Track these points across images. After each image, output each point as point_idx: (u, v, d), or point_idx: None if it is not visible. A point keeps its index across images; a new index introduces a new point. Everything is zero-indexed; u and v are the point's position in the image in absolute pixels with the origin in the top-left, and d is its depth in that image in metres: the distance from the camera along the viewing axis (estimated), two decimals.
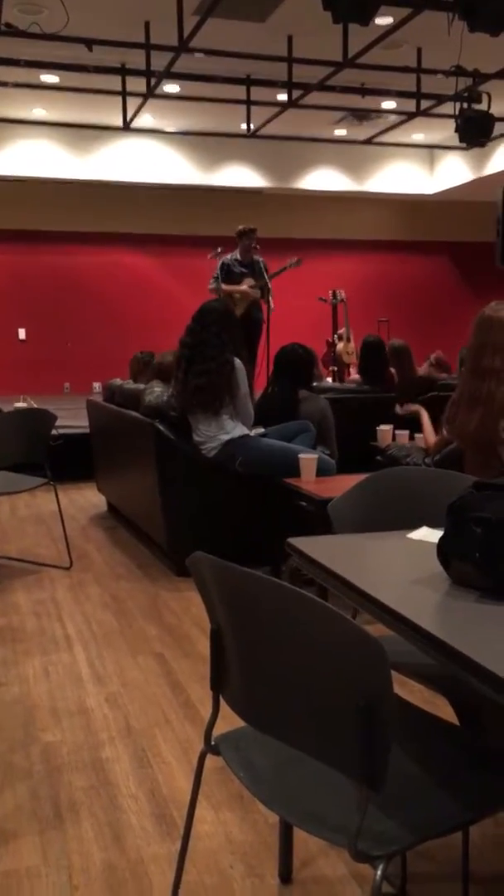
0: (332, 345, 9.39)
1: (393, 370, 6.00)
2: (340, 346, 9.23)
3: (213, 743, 1.54)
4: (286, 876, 1.92)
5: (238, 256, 7.62)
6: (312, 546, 1.78)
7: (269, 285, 7.51)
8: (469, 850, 1.77)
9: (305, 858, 1.98)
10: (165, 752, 2.50)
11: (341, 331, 9.36)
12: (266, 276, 7.50)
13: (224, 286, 7.49)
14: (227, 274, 7.57)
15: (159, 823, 2.14)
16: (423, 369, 6.70)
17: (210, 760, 1.55)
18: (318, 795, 1.43)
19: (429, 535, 1.83)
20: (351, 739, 1.21)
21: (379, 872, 1.22)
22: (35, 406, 6.35)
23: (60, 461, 4.67)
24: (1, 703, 2.83)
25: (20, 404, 6.94)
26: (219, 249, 8.17)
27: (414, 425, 4.66)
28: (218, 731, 1.55)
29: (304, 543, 1.80)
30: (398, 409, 4.52)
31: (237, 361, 4.22)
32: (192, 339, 4.25)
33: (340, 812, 1.31)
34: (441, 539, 1.57)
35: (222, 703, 1.51)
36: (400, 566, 1.72)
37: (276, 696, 1.39)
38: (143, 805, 2.22)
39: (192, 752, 2.48)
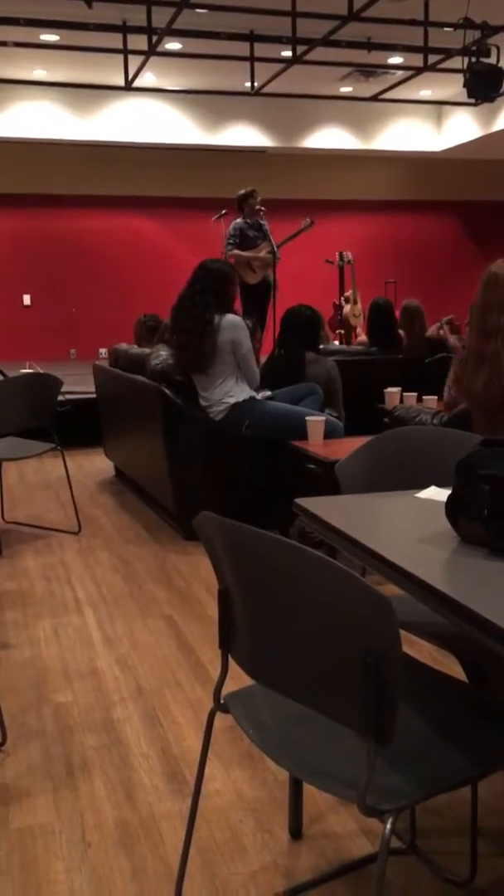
0: (338, 307, 9.31)
1: (402, 332, 5.94)
2: (347, 308, 9.15)
3: (222, 701, 1.55)
4: (296, 831, 1.94)
5: (247, 220, 7.53)
6: (320, 506, 1.78)
7: (278, 252, 7.42)
8: (477, 805, 1.78)
9: (315, 814, 2.01)
10: (176, 712, 2.52)
11: (348, 293, 9.27)
12: (269, 235, 7.41)
13: (240, 252, 7.39)
14: (243, 239, 7.48)
15: (170, 781, 2.17)
16: (432, 330, 6.63)
17: (220, 719, 1.56)
18: (326, 751, 1.44)
19: (437, 494, 1.82)
20: (359, 695, 1.21)
21: (388, 827, 1.23)
22: (41, 371, 6.33)
23: (68, 427, 4.67)
24: (13, 664, 2.86)
25: (26, 370, 6.93)
26: (223, 212, 8.07)
27: (423, 385, 4.63)
28: (227, 690, 1.56)
29: (312, 504, 1.79)
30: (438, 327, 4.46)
31: (235, 319, 4.17)
32: (179, 301, 4.23)
33: (349, 768, 1.32)
34: (449, 497, 1.56)
35: (231, 663, 1.52)
36: (408, 525, 1.72)
37: (284, 653, 1.39)
38: (154, 764, 2.25)
39: (202, 712, 2.50)
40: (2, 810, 2.05)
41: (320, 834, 1.95)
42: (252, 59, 7.32)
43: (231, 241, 7.48)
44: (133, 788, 2.14)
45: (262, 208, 7.46)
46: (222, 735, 2.31)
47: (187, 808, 1.67)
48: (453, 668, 1.92)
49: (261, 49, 7.23)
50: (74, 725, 2.46)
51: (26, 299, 10.71)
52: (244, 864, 1.85)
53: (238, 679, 1.52)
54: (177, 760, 2.26)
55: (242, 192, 7.47)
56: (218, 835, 1.95)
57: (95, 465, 6.12)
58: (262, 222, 7.46)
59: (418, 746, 1.41)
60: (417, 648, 2.16)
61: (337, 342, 8.51)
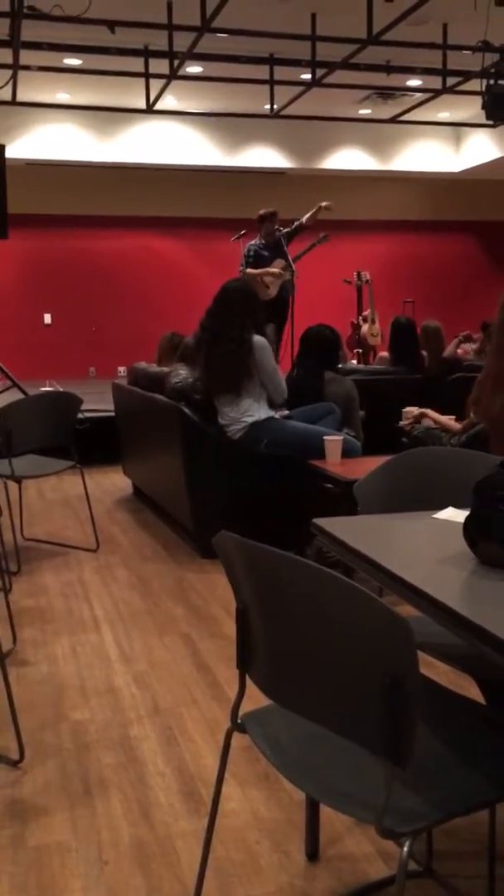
0: (356, 327, 9.34)
1: (424, 352, 5.95)
2: (365, 328, 9.18)
3: (239, 721, 1.55)
4: (313, 853, 1.94)
5: (262, 241, 7.59)
6: (338, 526, 1.78)
7: (293, 267, 7.46)
8: (495, 827, 1.77)
9: (332, 836, 2.00)
10: (192, 731, 2.52)
11: (366, 312, 9.30)
12: (288, 255, 7.44)
13: (252, 270, 7.45)
14: (257, 259, 7.54)
15: (187, 800, 2.17)
16: (449, 350, 6.64)
17: (236, 739, 1.56)
18: (344, 773, 1.44)
19: (455, 515, 1.83)
20: (377, 716, 1.22)
21: (406, 849, 1.23)
22: (61, 390, 6.38)
23: (87, 445, 4.70)
24: (30, 682, 2.88)
25: (46, 389, 6.99)
26: (242, 232, 8.13)
27: (441, 405, 4.62)
28: (244, 710, 1.56)
29: (329, 524, 1.80)
30: (402, 422, 4.45)
31: (261, 339, 4.21)
32: (212, 321, 4.25)
33: (367, 789, 1.32)
34: (468, 518, 1.57)
35: (248, 682, 1.52)
36: (426, 546, 1.72)
37: (302, 674, 1.39)
38: (170, 782, 2.25)
39: (218, 731, 2.50)
40: (19, 828, 2.06)
41: (337, 856, 1.94)
42: (272, 82, 7.40)
43: (245, 260, 7.54)
44: (149, 807, 2.15)
45: (279, 228, 7.51)
46: (239, 755, 2.31)
47: (203, 827, 1.67)
48: (470, 690, 1.91)
49: (280, 72, 7.32)
50: (91, 743, 2.46)
51: (47, 318, 10.82)
52: (260, 886, 1.84)
53: (255, 699, 1.53)
54: (193, 779, 2.26)
55: (264, 211, 7.52)
56: (234, 855, 1.94)
57: (114, 482, 6.15)
58: (280, 240, 7.49)
59: (436, 768, 1.41)
60: (434, 670, 2.15)
61: (354, 361, 8.53)
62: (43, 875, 1.89)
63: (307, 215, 7.70)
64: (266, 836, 2.02)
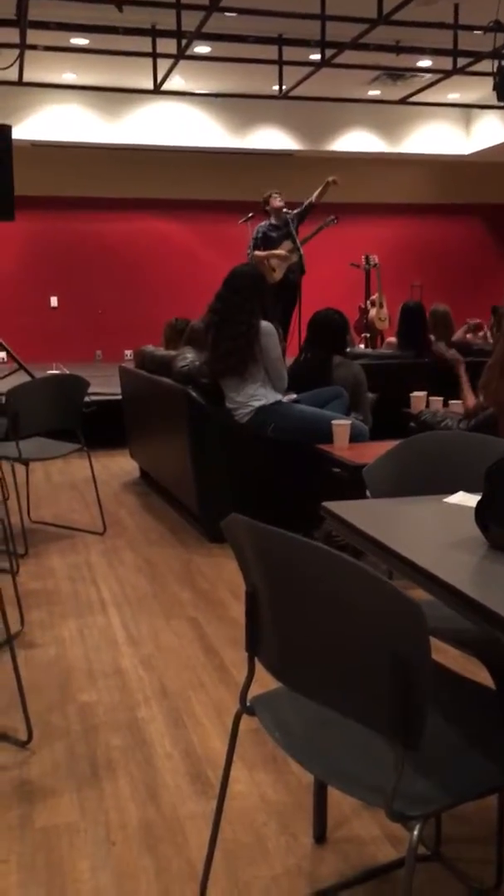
0: (364, 311, 9.29)
1: (432, 336, 5.91)
2: (373, 312, 9.13)
3: (248, 704, 1.55)
4: (320, 836, 1.94)
5: (272, 221, 7.55)
6: (348, 510, 1.77)
7: (301, 250, 7.42)
8: None
9: (339, 819, 2.00)
10: (200, 714, 2.52)
11: (374, 296, 9.25)
12: (297, 238, 7.40)
13: (259, 253, 7.41)
14: (266, 240, 7.50)
15: (194, 782, 2.17)
16: (458, 335, 6.60)
17: (244, 722, 1.56)
18: (353, 756, 1.43)
19: (465, 499, 1.81)
20: (387, 699, 1.21)
21: (416, 833, 1.22)
22: (68, 373, 6.37)
23: (93, 428, 4.69)
24: (38, 664, 2.88)
25: (53, 371, 6.98)
26: (250, 215, 8.08)
27: (449, 390, 4.61)
28: (251, 693, 1.56)
29: (339, 507, 1.79)
30: (441, 349, 4.42)
31: (268, 325, 4.19)
32: (222, 304, 4.23)
33: (376, 772, 1.32)
34: (479, 503, 1.56)
35: (257, 665, 1.52)
36: (436, 530, 1.71)
37: (311, 657, 1.39)
38: (178, 764, 2.26)
39: (225, 714, 2.50)
40: (27, 809, 2.07)
41: (344, 839, 1.94)
42: (280, 62, 7.34)
43: (253, 242, 7.51)
44: (157, 789, 2.15)
45: (287, 210, 7.47)
46: (247, 737, 2.31)
47: (211, 809, 1.67)
48: (480, 675, 1.90)
49: (289, 52, 7.25)
50: (99, 725, 2.47)
51: (53, 301, 10.79)
52: (267, 867, 1.85)
53: (262, 682, 1.52)
54: (200, 761, 2.27)
55: (267, 193, 7.51)
56: (242, 837, 1.95)
57: (120, 466, 6.15)
58: (289, 221, 7.44)
59: (446, 753, 1.40)
60: (444, 655, 2.14)
61: (362, 346, 8.49)
62: (51, 856, 1.89)
63: (315, 193, 7.66)
64: (274, 818, 2.02)
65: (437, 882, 1.80)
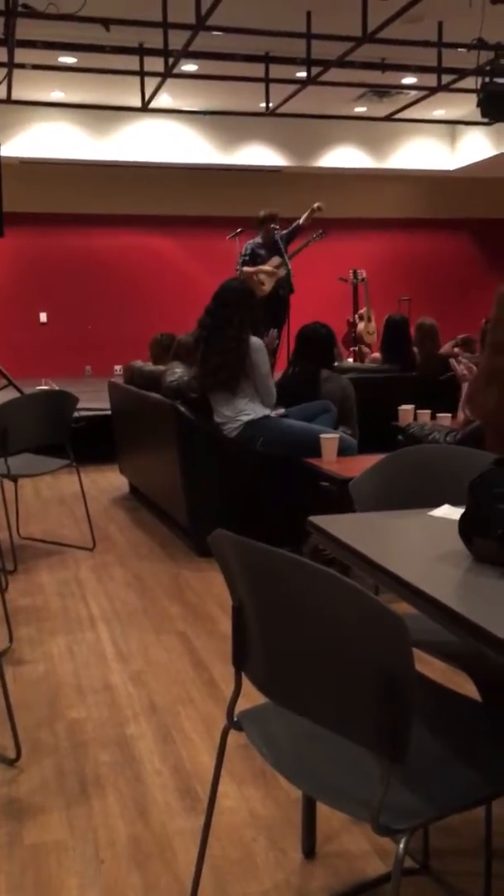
0: (352, 325, 9.34)
1: (415, 349, 5.95)
2: (361, 326, 9.18)
3: (235, 719, 1.55)
4: (309, 851, 1.94)
5: (260, 240, 7.59)
6: (333, 524, 1.79)
7: (290, 267, 7.47)
8: (492, 824, 1.77)
9: (328, 834, 2.00)
10: (189, 729, 2.52)
11: (362, 311, 9.30)
12: (286, 254, 7.45)
13: (248, 269, 7.45)
14: (253, 258, 7.54)
15: (183, 798, 2.17)
16: (445, 348, 6.64)
17: (233, 737, 1.56)
18: (340, 770, 1.44)
19: (450, 512, 1.83)
20: (373, 714, 1.22)
21: (402, 846, 1.23)
22: (57, 388, 6.38)
23: (83, 443, 4.70)
24: (27, 680, 2.87)
25: (42, 387, 6.98)
26: (238, 230, 8.13)
27: (436, 403, 4.63)
28: (240, 708, 1.56)
29: (325, 522, 1.80)
30: (456, 351, 4.43)
31: (257, 341, 4.21)
32: (211, 319, 4.25)
33: (363, 786, 1.32)
34: (463, 516, 1.57)
35: (245, 680, 1.53)
36: (422, 544, 1.72)
37: (298, 671, 1.39)
38: (167, 780, 2.25)
39: (215, 729, 2.50)
40: (15, 826, 2.06)
41: (333, 853, 1.94)
42: (267, 80, 7.40)
43: (242, 258, 7.55)
44: (146, 805, 2.15)
45: (277, 227, 7.52)
46: (235, 753, 2.31)
47: (200, 825, 1.67)
48: (466, 687, 1.91)
49: (276, 70, 7.31)
50: (88, 741, 2.46)
51: (42, 317, 10.81)
52: (257, 883, 1.84)
53: (251, 697, 1.53)
54: (190, 777, 2.26)
55: (264, 213, 7.52)
56: (231, 853, 1.95)
57: (110, 481, 6.14)
58: (277, 240, 7.49)
59: (432, 765, 1.41)
60: (430, 667, 2.15)
61: (351, 360, 8.53)
62: (40, 873, 1.89)
63: (303, 217, 7.73)
64: (262, 833, 2.02)
65: (426, 895, 1.80)
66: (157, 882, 1.85)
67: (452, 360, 5.14)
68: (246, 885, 1.83)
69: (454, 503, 1.86)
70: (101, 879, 1.86)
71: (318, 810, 1.96)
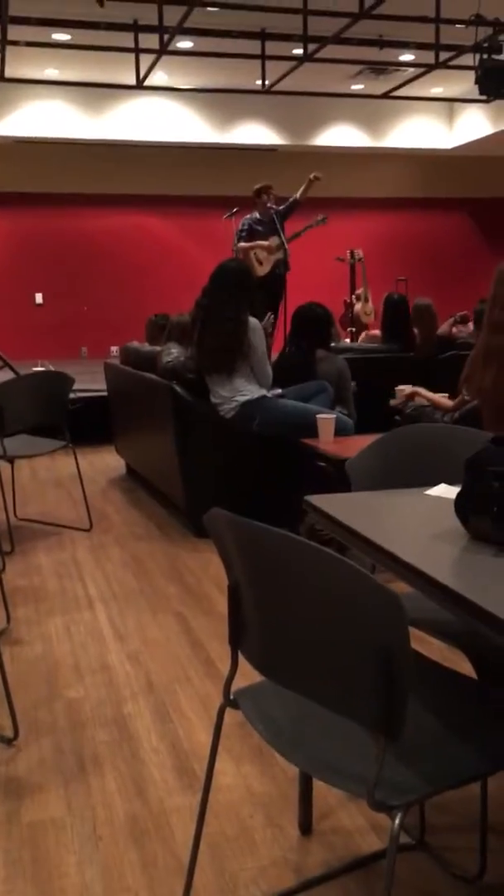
0: (349, 305, 9.30)
1: (416, 330, 5.92)
2: (358, 306, 9.14)
3: (232, 697, 1.56)
4: (306, 827, 1.95)
5: (258, 215, 7.54)
6: (330, 503, 1.78)
7: (287, 246, 7.42)
8: (487, 801, 1.79)
9: (325, 810, 2.02)
10: (186, 708, 2.53)
11: (359, 291, 9.26)
12: (282, 231, 7.39)
13: (244, 244, 7.40)
14: (251, 233, 7.49)
15: (181, 776, 2.18)
16: (444, 328, 6.62)
17: (230, 715, 1.57)
18: (336, 747, 1.44)
19: (446, 491, 1.83)
20: (369, 691, 1.22)
21: (397, 821, 1.23)
22: (53, 370, 6.36)
23: (79, 424, 4.69)
24: (24, 660, 2.88)
25: (38, 368, 6.95)
26: (234, 210, 8.07)
27: (434, 383, 4.62)
28: (237, 686, 1.57)
29: (321, 501, 1.80)
30: (393, 401, 4.42)
31: (254, 321, 4.20)
32: (208, 299, 4.23)
33: (359, 763, 1.33)
34: (459, 494, 1.57)
35: (241, 659, 1.53)
36: (418, 522, 1.72)
37: (294, 650, 1.40)
38: (164, 759, 2.27)
39: (212, 707, 2.51)
40: (14, 804, 2.07)
41: (330, 829, 1.96)
42: (263, 57, 7.32)
43: (239, 234, 7.49)
44: (144, 783, 2.16)
45: (273, 206, 7.46)
46: (232, 731, 2.32)
47: (197, 802, 1.68)
48: (462, 666, 1.92)
49: (272, 47, 7.24)
50: (86, 720, 2.47)
51: (38, 298, 10.75)
52: (254, 859, 1.86)
53: (248, 675, 1.53)
54: (187, 755, 2.28)
55: (258, 186, 7.46)
56: (228, 830, 1.96)
57: (106, 462, 6.14)
58: (274, 217, 7.43)
59: (427, 742, 1.42)
60: (427, 646, 2.16)
61: (348, 340, 8.50)
62: (38, 851, 1.90)
63: (300, 190, 7.64)
64: (259, 810, 2.03)
65: (422, 871, 1.82)
66: (155, 859, 1.86)
67: (457, 328, 5.05)
68: (243, 861, 1.85)
69: (451, 482, 1.86)
70: (98, 856, 1.87)
71: (315, 787, 1.97)
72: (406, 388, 4.60)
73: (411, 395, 4.27)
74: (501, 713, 1.51)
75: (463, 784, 1.37)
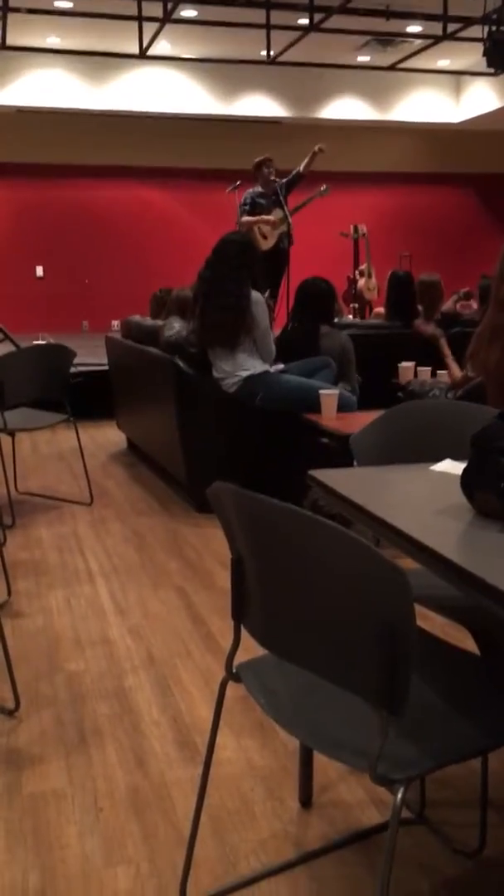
0: (353, 281, 9.25)
1: (420, 306, 5.88)
2: (362, 282, 9.09)
3: (234, 670, 1.55)
4: (306, 800, 1.96)
5: (260, 189, 7.46)
6: (335, 478, 1.77)
7: (290, 220, 7.34)
8: (488, 776, 1.79)
9: (325, 783, 2.02)
10: (187, 682, 2.54)
11: (362, 266, 9.20)
12: (286, 205, 7.31)
13: (248, 218, 7.32)
14: (254, 207, 7.41)
15: (182, 749, 2.19)
16: (448, 305, 6.57)
17: (231, 689, 1.56)
18: (338, 721, 1.44)
19: (452, 467, 1.81)
20: (372, 665, 1.21)
21: (399, 796, 1.23)
22: (54, 343, 6.33)
23: (80, 399, 4.67)
24: (25, 633, 2.88)
25: (39, 342, 6.92)
26: (237, 183, 7.99)
27: (437, 360, 4.60)
28: (239, 660, 1.56)
29: (326, 475, 1.78)
30: (421, 324, 4.39)
31: (257, 295, 4.16)
32: (211, 273, 4.19)
33: (360, 737, 1.33)
34: (464, 470, 1.55)
35: (243, 633, 1.52)
36: (423, 498, 1.71)
37: (297, 623, 1.39)
38: (165, 731, 2.27)
39: (213, 681, 2.52)
40: (15, 775, 2.08)
41: (330, 803, 1.96)
42: (268, 26, 7.22)
43: (242, 208, 7.42)
44: (144, 755, 2.16)
45: (276, 178, 7.37)
46: (234, 704, 2.33)
47: (198, 775, 1.68)
48: (465, 643, 1.92)
49: (277, 17, 7.13)
50: (87, 693, 2.48)
51: (39, 271, 10.69)
52: (254, 832, 1.86)
53: (249, 650, 1.52)
54: (188, 729, 2.28)
55: (258, 159, 7.38)
56: (228, 802, 1.97)
57: (108, 436, 6.13)
58: (278, 190, 7.35)
59: (430, 717, 1.41)
60: (430, 622, 2.16)
61: (351, 316, 8.46)
62: (38, 821, 1.91)
63: (303, 163, 7.55)
64: (260, 783, 2.04)
65: (422, 845, 1.82)
66: (156, 830, 1.87)
67: (417, 321, 5.06)
68: (244, 834, 1.86)
69: (456, 458, 1.84)
70: (99, 827, 1.88)
71: (316, 761, 1.97)
72: (411, 366, 4.58)
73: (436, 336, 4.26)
74: (503, 689, 1.51)
75: (464, 759, 1.37)
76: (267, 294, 4.94)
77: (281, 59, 7.84)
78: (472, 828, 1.83)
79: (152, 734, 2.26)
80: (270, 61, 7.79)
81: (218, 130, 10.37)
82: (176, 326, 4.56)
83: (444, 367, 4.44)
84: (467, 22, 6.94)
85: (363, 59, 9.20)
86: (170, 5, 6.59)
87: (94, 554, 3.71)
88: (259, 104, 10.01)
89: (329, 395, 3.85)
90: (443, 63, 9.30)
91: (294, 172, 7.54)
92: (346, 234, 9.38)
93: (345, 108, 10.31)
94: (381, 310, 6.41)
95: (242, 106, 9.95)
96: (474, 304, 7.01)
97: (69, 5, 7.32)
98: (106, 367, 5.98)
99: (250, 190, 7.51)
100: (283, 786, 2.02)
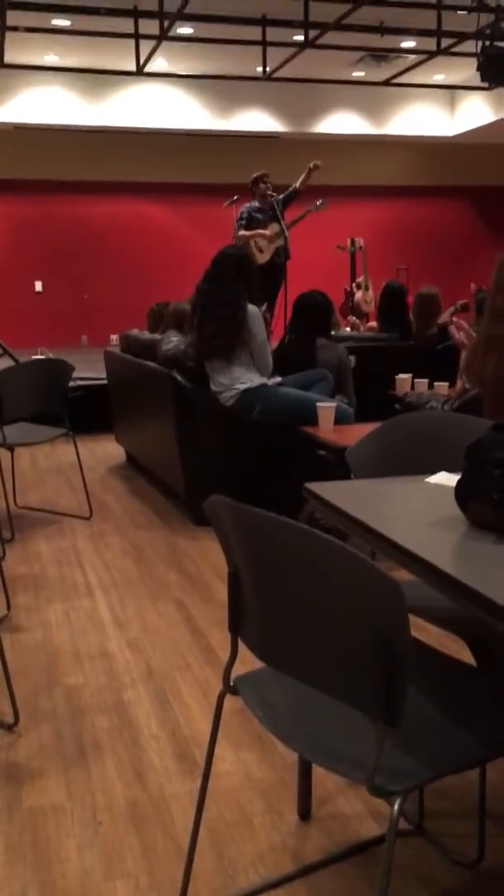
0: (350, 294, 9.28)
1: (412, 318, 5.91)
2: (359, 295, 9.12)
3: (231, 683, 1.56)
4: (305, 813, 1.96)
5: (257, 203, 7.51)
6: (330, 490, 1.78)
7: (287, 233, 7.39)
8: (485, 787, 1.79)
9: (324, 796, 2.02)
10: (186, 695, 2.54)
11: (359, 279, 9.24)
12: (283, 219, 7.36)
13: (244, 233, 7.37)
14: (250, 221, 7.46)
15: (180, 762, 2.19)
16: (444, 317, 6.60)
17: (230, 702, 1.57)
18: (335, 733, 1.45)
19: (447, 479, 1.82)
20: (368, 677, 1.22)
21: (396, 807, 1.24)
22: (53, 357, 6.35)
23: (79, 413, 4.69)
24: (24, 647, 2.89)
25: (38, 356, 6.94)
26: (235, 198, 8.04)
27: (434, 372, 4.62)
28: (236, 673, 1.57)
29: (321, 488, 1.80)
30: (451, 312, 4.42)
31: (253, 308, 4.19)
32: (208, 286, 4.21)
33: (358, 749, 1.33)
34: (459, 481, 1.57)
35: (241, 646, 1.53)
36: (418, 510, 1.72)
37: (293, 636, 1.40)
38: (164, 745, 2.27)
39: (212, 694, 2.52)
40: (14, 790, 2.08)
41: (328, 815, 1.97)
42: (264, 43, 7.29)
43: (239, 223, 7.46)
44: (143, 769, 2.17)
45: (273, 193, 7.42)
46: (232, 717, 2.33)
47: (197, 788, 1.68)
48: (461, 653, 1.92)
49: (273, 33, 7.20)
50: (86, 707, 2.48)
51: (38, 285, 10.73)
52: (253, 845, 1.87)
53: (247, 662, 1.53)
54: (187, 742, 2.28)
55: (255, 174, 7.43)
56: (227, 815, 1.97)
57: (106, 450, 6.14)
58: (274, 205, 7.40)
59: (426, 728, 1.42)
60: (426, 634, 2.17)
61: (348, 329, 8.48)
62: (38, 836, 1.91)
63: (300, 179, 7.60)
64: (259, 796, 2.04)
65: (421, 856, 1.82)
66: (155, 844, 1.87)
67: (451, 328, 5.10)
68: (242, 847, 1.86)
69: (450, 470, 1.86)
70: (98, 841, 1.88)
71: (314, 773, 1.98)
72: (408, 378, 4.60)
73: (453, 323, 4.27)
74: (500, 700, 1.52)
75: (462, 770, 1.37)
76: (264, 307, 4.96)
77: (277, 74, 7.90)
78: (471, 838, 1.83)
79: (151, 748, 2.26)
80: (266, 77, 7.85)
81: (215, 146, 10.43)
82: (174, 340, 4.58)
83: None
84: (461, 37, 7.00)
85: (358, 74, 9.28)
86: (166, 23, 6.65)
87: (93, 567, 3.71)
88: (255, 120, 10.08)
89: (326, 407, 3.87)
90: (437, 77, 9.37)
91: (291, 189, 7.59)
92: (343, 248, 9.43)
93: (341, 122, 10.38)
94: (373, 324, 6.44)
95: (239, 121, 10.02)
96: (465, 325, 7.04)
97: (67, 23, 7.38)
98: (105, 382, 6.00)
99: (247, 204, 7.55)
100: (282, 798, 2.03)
